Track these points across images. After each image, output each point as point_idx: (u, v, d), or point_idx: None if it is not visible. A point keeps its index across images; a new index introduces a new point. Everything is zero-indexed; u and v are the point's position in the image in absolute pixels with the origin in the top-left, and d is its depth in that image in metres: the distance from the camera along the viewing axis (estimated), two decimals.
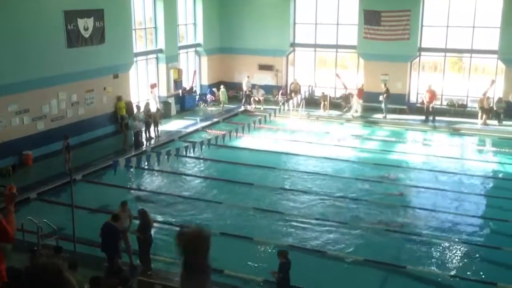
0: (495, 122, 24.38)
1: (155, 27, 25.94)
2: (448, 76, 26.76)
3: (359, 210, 15.73)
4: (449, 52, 26.48)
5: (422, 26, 26.29)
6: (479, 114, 24.49)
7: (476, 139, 23.24)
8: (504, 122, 24.28)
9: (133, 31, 24.36)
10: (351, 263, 12.69)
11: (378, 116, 25.80)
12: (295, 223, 14.85)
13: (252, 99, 28.11)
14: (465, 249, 13.28)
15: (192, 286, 3.26)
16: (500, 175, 18.69)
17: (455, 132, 23.93)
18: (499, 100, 24.62)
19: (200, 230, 3.21)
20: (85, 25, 21.20)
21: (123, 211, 12.40)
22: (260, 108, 27.47)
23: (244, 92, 28.35)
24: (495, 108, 24.60)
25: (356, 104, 26.04)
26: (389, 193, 16.68)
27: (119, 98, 23.19)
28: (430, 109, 25.02)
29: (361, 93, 26.24)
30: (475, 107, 25.14)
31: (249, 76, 28.66)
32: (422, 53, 26.71)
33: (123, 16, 23.25)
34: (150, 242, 11.93)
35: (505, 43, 24.65)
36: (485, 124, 24.21)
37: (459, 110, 25.86)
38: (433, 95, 25.08)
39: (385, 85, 26.06)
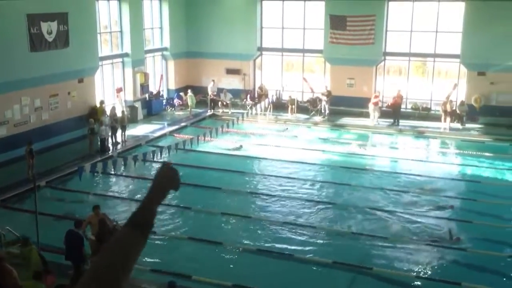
0: (458, 125, 24.96)
1: (121, 31, 25.68)
2: (412, 79, 27.28)
3: (326, 213, 15.86)
4: (413, 56, 26.99)
5: (386, 30, 26.74)
6: (443, 117, 25.03)
7: (439, 142, 23.73)
8: (467, 125, 24.87)
9: (98, 35, 24.06)
10: (319, 265, 12.77)
11: (342, 119, 26.18)
12: (263, 227, 14.88)
13: (219, 103, 28.08)
14: (430, 250, 13.52)
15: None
16: (463, 177, 19.09)
17: (420, 135, 24.39)
18: (462, 103, 25.20)
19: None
20: (49, 28, 20.84)
21: (95, 216, 12.17)
22: (228, 112, 27.47)
23: (209, 97, 28.32)
24: (458, 111, 25.18)
25: (373, 111, 25.74)
26: (440, 206, 16.09)
27: (101, 102, 23.22)
28: (397, 112, 25.44)
29: (377, 101, 25.81)
30: (438, 110, 25.68)
31: (214, 80, 28.65)
32: (387, 57, 27.15)
33: (87, 19, 22.94)
34: None
35: (467, 47, 25.27)
36: (448, 127, 24.75)
37: (423, 113, 26.37)
38: (399, 99, 25.48)
39: (326, 87, 26.44)
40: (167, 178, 2.50)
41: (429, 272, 12.50)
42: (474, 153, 21.52)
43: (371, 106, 25.62)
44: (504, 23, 24.36)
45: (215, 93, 28.29)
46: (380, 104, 25.68)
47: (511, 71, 24.60)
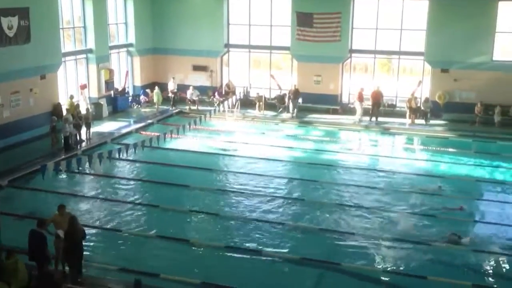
0: (423, 121, 25.37)
1: (84, 27, 25.20)
2: (378, 77, 27.58)
3: (295, 209, 15.89)
4: (379, 54, 27.31)
5: (352, 28, 26.97)
6: (407, 114, 25.40)
7: (404, 138, 24.07)
8: (431, 122, 25.31)
9: (61, 31, 23.56)
10: (288, 261, 12.78)
11: (309, 116, 26.31)
12: (231, 224, 14.81)
13: (187, 100, 27.87)
14: (396, 246, 13.67)
15: None
16: (425, 172, 19.38)
17: (385, 131, 24.70)
18: (426, 100, 25.64)
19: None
20: (9, 24, 20.26)
21: (61, 215, 11.87)
22: (195, 109, 27.28)
23: (170, 94, 27.97)
24: (422, 108, 25.60)
25: (359, 108, 25.79)
26: (450, 208, 15.88)
27: (71, 97, 22.85)
28: (374, 110, 25.67)
29: (361, 96, 25.84)
30: (403, 107, 26.05)
31: (174, 77, 28.37)
32: (353, 54, 27.40)
33: (50, 14, 22.42)
34: (80, 249, 11.40)
35: (431, 45, 25.72)
36: (413, 123, 25.12)
37: (388, 110, 26.72)
38: (378, 96, 25.71)
39: (294, 85, 26.61)
40: None
41: (396, 267, 12.63)
42: (438, 149, 21.89)
43: (357, 102, 25.76)
44: (467, 20, 24.87)
45: (175, 90, 27.99)
46: (364, 100, 25.73)
47: (473, 68, 25.17)
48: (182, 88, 28.87)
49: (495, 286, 11.96)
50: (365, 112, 25.83)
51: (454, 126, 24.76)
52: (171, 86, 28.04)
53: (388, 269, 12.53)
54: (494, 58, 25.19)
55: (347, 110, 27.04)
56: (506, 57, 25.47)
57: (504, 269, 12.59)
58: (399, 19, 26.23)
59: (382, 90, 25.99)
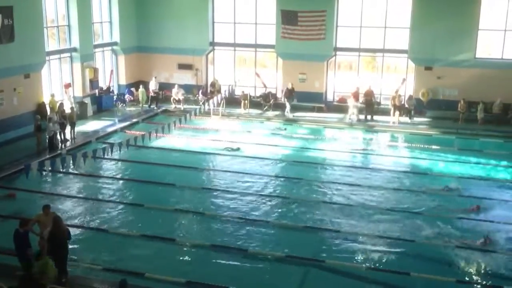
0: (407, 118, 25.59)
1: (69, 25, 25.03)
2: (362, 74, 27.75)
3: (280, 207, 15.96)
4: (363, 52, 27.47)
5: (337, 26, 27.09)
6: (392, 111, 25.60)
7: (389, 135, 24.25)
8: (415, 119, 25.53)
9: (45, 29, 23.38)
10: (273, 259, 12.85)
11: (296, 114, 26.45)
12: (217, 223, 14.85)
13: (172, 98, 27.82)
14: (380, 242, 13.80)
15: None
16: (411, 169, 19.57)
17: (370, 128, 24.87)
18: (410, 97, 25.86)
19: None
20: None
21: (45, 215, 11.83)
22: (180, 107, 27.25)
23: (150, 94, 27.72)
24: (406, 105, 25.82)
25: (353, 107, 25.78)
26: (470, 208, 15.82)
27: (52, 95, 22.76)
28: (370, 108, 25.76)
29: (357, 95, 25.87)
30: (388, 105, 26.23)
31: (156, 76, 28.24)
32: (338, 52, 27.53)
33: (33, 13, 22.24)
34: (64, 249, 11.37)
35: (415, 43, 25.94)
36: (397, 120, 25.32)
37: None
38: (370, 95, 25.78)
39: (291, 85, 26.68)
40: None
41: (380, 264, 12.76)
42: (422, 146, 22.10)
43: (351, 102, 25.84)
44: (450, 18, 25.12)
45: (157, 90, 27.82)
46: (359, 99, 25.80)
47: (456, 65, 25.44)
48: (167, 86, 28.82)
49: (481, 282, 12.13)
50: (338, 109, 26.12)
51: (438, 123, 25.01)
52: (153, 85, 27.83)
53: (373, 266, 12.64)
54: (477, 56, 25.48)
55: (332, 108, 27.19)
56: (488, 54, 25.77)
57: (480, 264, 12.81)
58: (383, 17, 26.41)
59: (373, 89, 26.14)
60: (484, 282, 12.02)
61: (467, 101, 25.06)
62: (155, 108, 27.45)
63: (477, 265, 12.71)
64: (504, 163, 20.22)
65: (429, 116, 25.91)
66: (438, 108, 25.82)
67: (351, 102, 25.83)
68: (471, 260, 12.90)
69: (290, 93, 26.53)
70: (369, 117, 25.80)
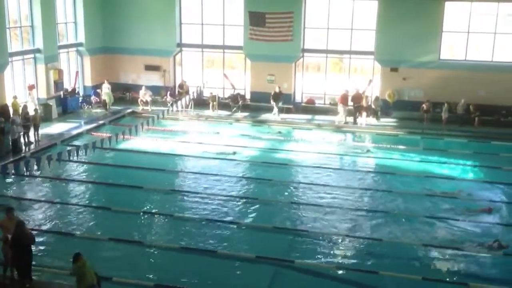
0: (374, 119, 25.90)
1: (32, 26, 24.53)
2: (330, 76, 27.97)
3: (249, 208, 15.93)
4: (330, 53, 27.70)
5: (304, 28, 27.25)
6: (359, 112, 25.83)
7: (356, 136, 24.50)
8: (381, 119, 25.86)
9: (8, 30, 22.84)
10: (243, 260, 12.81)
11: (269, 115, 26.49)
12: (185, 225, 14.73)
13: (139, 100, 27.53)
14: (349, 242, 13.93)
15: None
16: (377, 169, 19.80)
17: (338, 129, 25.07)
18: (376, 98, 26.19)
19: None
20: None
21: (9, 219, 11.51)
22: (148, 109, 26.98)
23: (102, 97, 27.21)
24: (373, 106, 26.14)
25: (342, 110, 25.72)
26: (481, 209, 15.89)
27: (14, 97, 22.19)
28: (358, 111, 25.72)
29: (345, 99, 25.70)
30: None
31: (107, 79, 27.81)
32: (305, 54, 27.69)
33: None
34: (28, 254, 11.09)
35: (380, 44, 26.28)
36: (364, 121, 25.60)
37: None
38: (359, 98, 25.78)
39: (279, 87, 26.73)
40: None
41: (348, 263, 12.87)
42: (389, 146, 22.39)
43: (339, 105, 25.85)
44: (415, 20, 25.52)
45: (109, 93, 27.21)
46: (347, 103, 25.73)
47: (421, 67, 25.87)
48: (134, 88, 28.50)
49: (444, 279, 12.34)
50: (306, 110, 26.30)
51: (404, 124, 25.38)
52: (106, 89, 27.26)
53: (341, 265, 12.73)
54: (441, 57, 25.97)
55: (300, 109, 27.33)
56: (452, 56, 26.30)
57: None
58: (350, 19, 26.67)
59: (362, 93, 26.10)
60: (448, 278, 12.24)
61: (431, 102, 25.50)
62: (107, 112, 26.70)
63: (441, 264, 12.95)
64: (468, 162, 20.63)
65: (395, 116, 26.27)
66: (403, 109, 26.20)
67: (339, 106, 25.89)
68: (436, 259, 13.14)
69: (277, 96, 26.54)
70: (359, 120, 25.66)
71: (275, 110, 26.49)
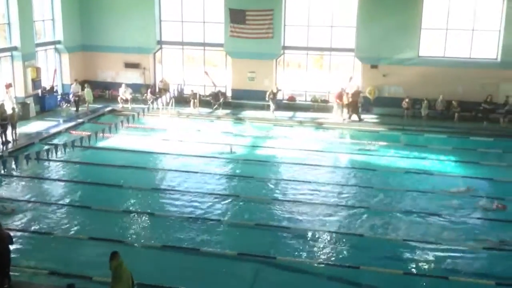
0: (355, 116, 26.00)
1: (9, 23, 24.16)
2: (311, 73, 28.02)
3: (231, 206, 15.89)
4: (311, 50, 27.74)
5: (285, 25, 27.24)
6: (341, 109, 25.91)
7: (338, 133, 24.58)
8: (362, 116, 25.96)
9: None
10: (225, 258, 12.77)
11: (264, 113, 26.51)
12: (167, 223, 14.63)
13: (119, 98, 27.28)
14: (330, 238, 13.97)
15: None
16: (359, 165, 19.87)
17: (319, 126, 25.13)
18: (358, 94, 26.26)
19: None
20: None
21: None
22: (128, 107, 26.75)
23: (72, 97, 26.48)
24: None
25: (338, 108, 25.67)
26: (495, 206, 15.85)
27: None
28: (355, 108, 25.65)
29: (341, 96, 25.66)
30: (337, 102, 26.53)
31: (76, 79, 27.38)
32: (286, 51, 27.69)
33: None
34: (7, 254, 10.89)
35: (360, 41, 26.39)
36: (350, 118, 25.65)
37: (321, 105, 27.23)
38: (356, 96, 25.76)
39: (276, 87, 26.69)
40: None
41: (330, 258, 12.90)
42: (370, 142, 22.49)
43: (335, 103, 25.86)
44: (394, 17, 25.67)
45: (79, 93, 26.54)
46: (342, 100, 25.65)
47: (401, 63, 26.05)
48: (114, 86, 28.24)
49: (424, 273, 12.44)
50: (288, 107, 26.36)
51: (384, 120, 25.53)
52: (75, 88, 26.59)
53: (323, 261, 12.76)
54: (420, 54, 26.17)
55: (282, 106, 27.32)
56: (431, 52, 26.52)
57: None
58: (330, 16, 26.74)
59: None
60: (428, 273, 12.34)
61: (411, 98, 25.69)
62: (77, 112, 26.17)
63: (421, 258, 13.06)
64: (447, 157, 20.82)
65: (376, 113, 26.40)
66: (384, 105, 26.34)
67: (335, 104, 25.91)
68: (417, 253, 13.26)
69: (274, 96, 26.48)
70: (354, 117, 25.57)
71: (272, 108, 26.42)
